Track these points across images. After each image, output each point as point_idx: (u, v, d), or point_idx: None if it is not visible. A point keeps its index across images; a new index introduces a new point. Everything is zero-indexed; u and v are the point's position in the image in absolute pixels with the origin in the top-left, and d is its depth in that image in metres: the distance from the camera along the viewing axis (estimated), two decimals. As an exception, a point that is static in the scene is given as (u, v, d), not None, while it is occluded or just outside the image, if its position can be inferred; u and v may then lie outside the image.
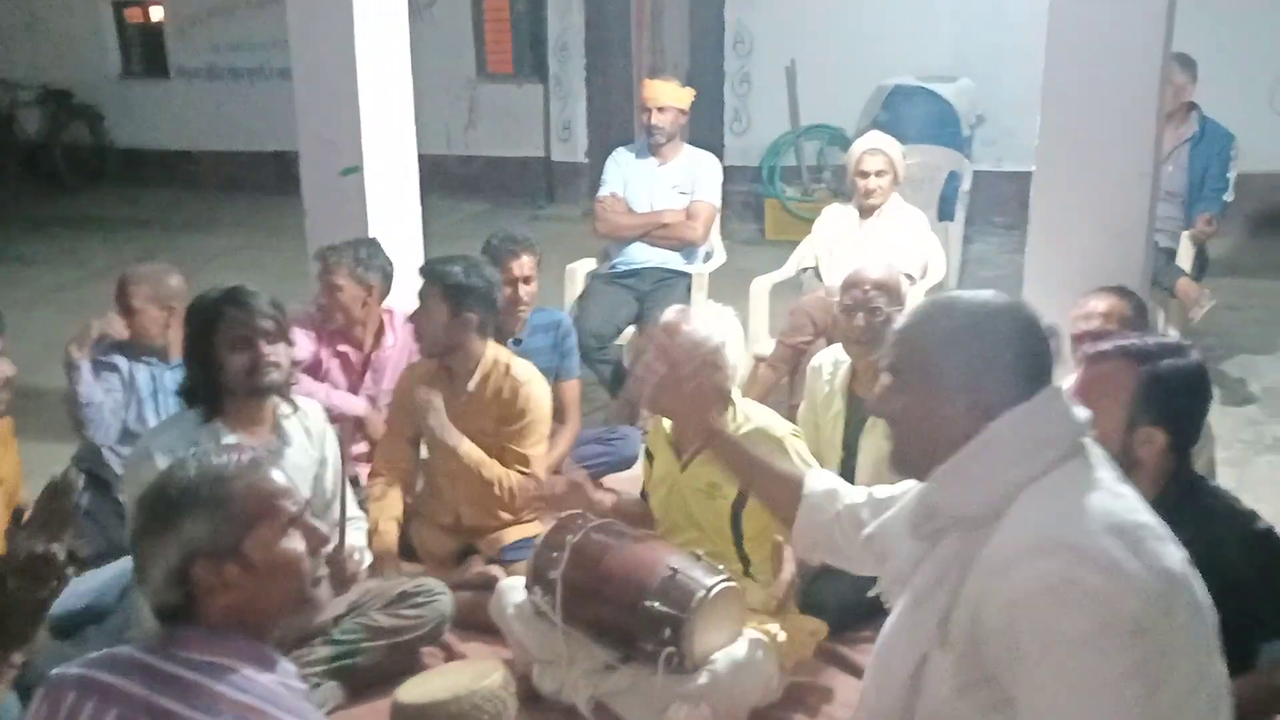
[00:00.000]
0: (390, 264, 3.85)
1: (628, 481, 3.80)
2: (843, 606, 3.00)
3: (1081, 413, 1.59)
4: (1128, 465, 2.04)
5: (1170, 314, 4.80)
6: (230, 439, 2.65)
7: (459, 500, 3.40)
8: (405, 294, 4.09)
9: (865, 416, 3.20)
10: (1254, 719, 2.03)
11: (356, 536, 3.01)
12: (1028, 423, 1.54)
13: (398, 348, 3.94)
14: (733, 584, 2.65)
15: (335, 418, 3.78)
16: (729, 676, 2.60)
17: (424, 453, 3.61)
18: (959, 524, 1.57)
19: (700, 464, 2.85)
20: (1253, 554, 2.03)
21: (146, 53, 10.96)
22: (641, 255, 4.80)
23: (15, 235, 8.62)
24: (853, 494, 2.01)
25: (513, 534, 3.42)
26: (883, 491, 1.97)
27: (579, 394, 4.15)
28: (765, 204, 8.26)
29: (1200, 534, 2.00)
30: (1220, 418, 4.40)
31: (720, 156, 5.23)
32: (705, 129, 8.22)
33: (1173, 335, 4.75)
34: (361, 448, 3.88)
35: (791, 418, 3.53)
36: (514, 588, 2.92)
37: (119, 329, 3.55)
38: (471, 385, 3.34)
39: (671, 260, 4.80)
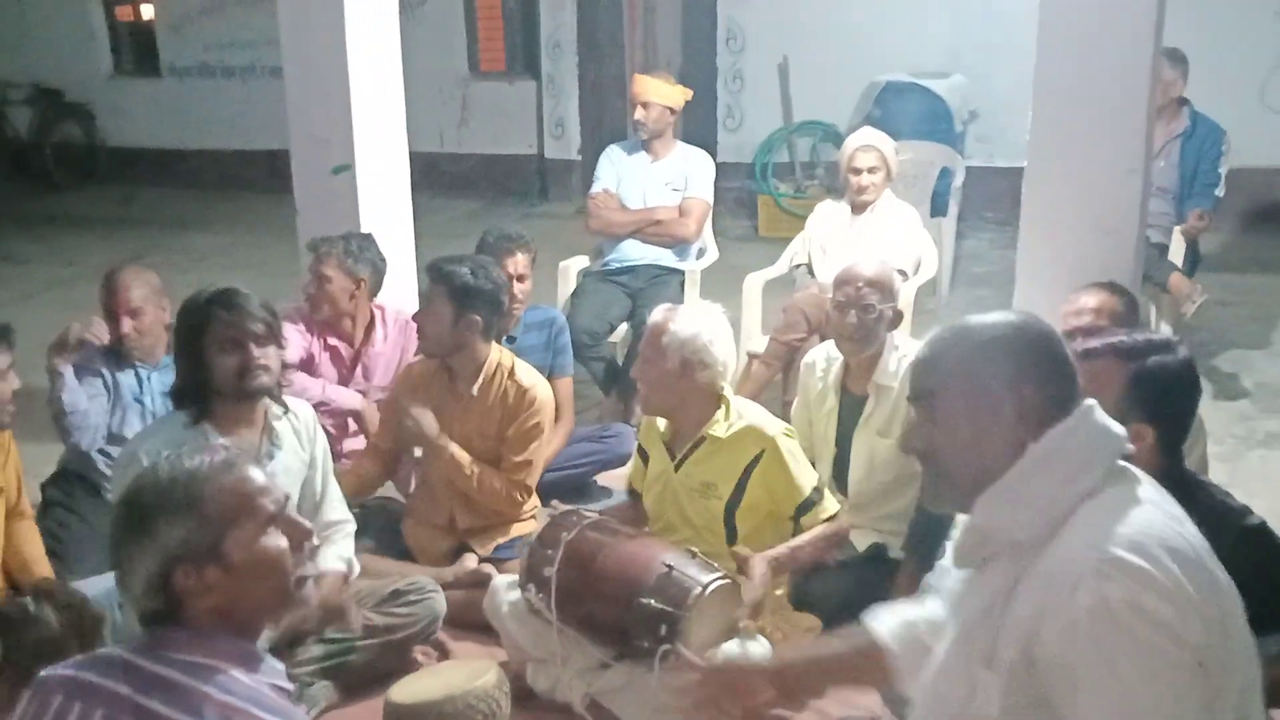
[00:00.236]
0: (382, 259, 3.84)
1: (621, 479, 3.80)
2: (836, 602, 2.99)
3: (1120, 428, 1.56)
4: (1116, 463, 2.06)
5: (1162, 309, 4.81)
6: (219, 441, 2.63)
7: (453, 502, 3.40)
8: (397, 292, 4.10)
9: (858, 413, 3.20)
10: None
11: (345, 544, 3.01)
12: (1073, 439, 1.51)
13: (389, 345, 3.94)
14: (728, 581, 2.65)
15: (333, 413, 3.78)
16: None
17: (419, 452, 3.61)
18: (1008, 549, 1.53)
19: (694, 463, 2.85)
20: (1246, 550, 2.02)
21: (138, 51, 10.92)
22: (634, 252, 4.80)
23: (6, 234, 8.58)
24: (922, 609, 1.89)
25: (507, 533, 3.42)
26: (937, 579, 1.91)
27: (572, 392, 4.15)
28: (758, 201, 8.26)
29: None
30: (1212, 413, 4.41)
31: (713, 153, 5.24)
32: (698, 125, 8.23)
33: (1165, 330, 4.76)
34: (358, 443, 3.86)
35: (785, 415, 3.53)
36: (508, 585, 2.91)
37: (100, 332, 3.50)
38: (474, 388, 3.33)
39: (664, 257, 4.80)
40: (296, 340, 3.73)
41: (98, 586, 2.90)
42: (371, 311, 3.90)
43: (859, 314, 3.24)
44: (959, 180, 6.88)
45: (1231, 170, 5.05)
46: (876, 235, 4.41)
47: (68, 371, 3.38)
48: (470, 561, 3.35)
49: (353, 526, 3.09)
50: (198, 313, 2.72)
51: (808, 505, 2.85)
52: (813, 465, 3.03)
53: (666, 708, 2.60)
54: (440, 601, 3.00)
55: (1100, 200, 3.29)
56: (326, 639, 2.86)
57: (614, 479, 3.98)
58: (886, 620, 1.87)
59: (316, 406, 3.59)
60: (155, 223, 9.07)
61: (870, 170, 4.45)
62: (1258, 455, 4.33)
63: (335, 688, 2.85)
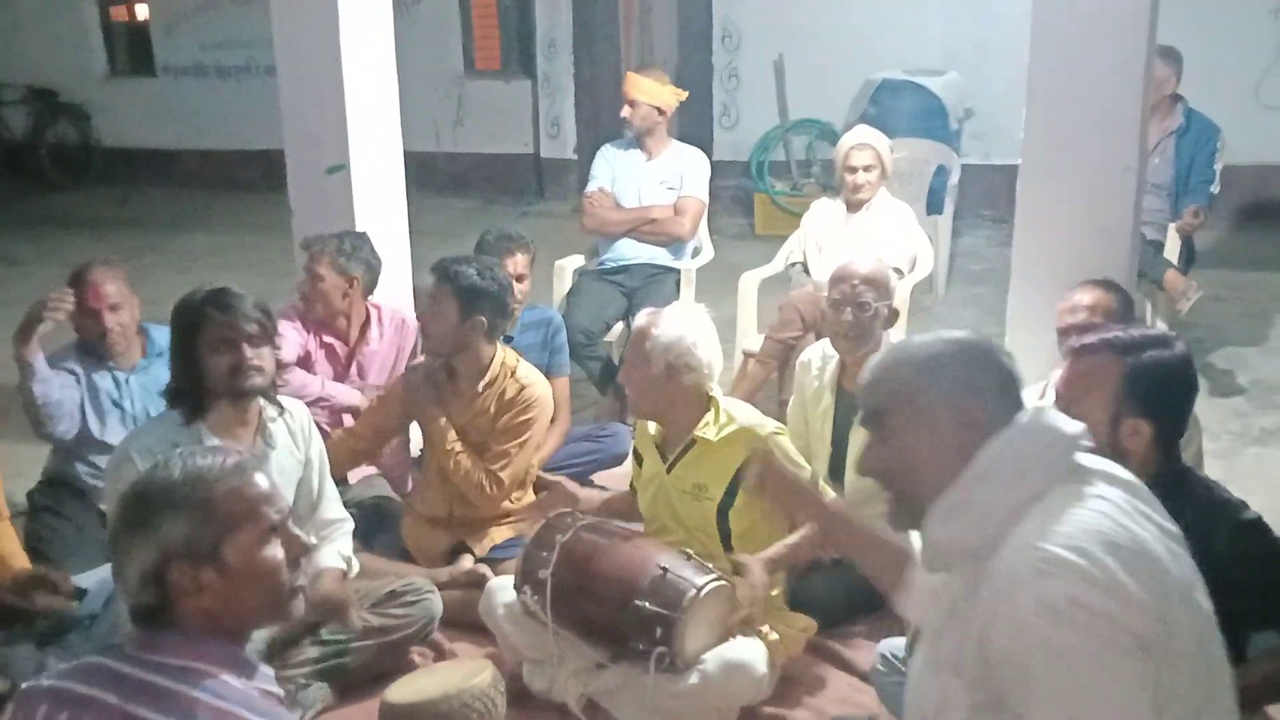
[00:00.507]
0: (376, 258, 3.84)
1: (618, 478, 3.80)
2: (832, 602, 3.01)
3: (1072, 427, 1.59)
4: (1115, 458, 2.05)
5: (1158, 306, 4.82)
6: (213, 441, 2.63)
7: (452, 495, 3.40)
8: (393, 291, 4.10)
9: (854, 411, 3.19)
10: (1246, 709, 2.04)
11: (343, 541, 3.01)
12: (1015, 445, 1.55)
13: (385, 343, 3.93)
14: (723, 583, 2.65)
15: (331, 409, 3.78)
16: (720, 675, 2.61)
17: (415, 450, 3.62)
18: (964, 556, 1.57)
19: (685, 465, 2.85)
20: (1242, 544, 2.03)
21: (132, 51, 10.90)
22: (630, 251, 4.79)
23: (1, 235, 8.57)
24: None
25: (503, 533, 3.42)
26: None
27: (568, 391, 4.15)
28: (754, 199, 8.26)
29: (1189, 525, 2.00)
30: (1208, 409, 4.41)
31: (709, 151, 5.22)
32: (694, 124, 8.22)
33: (1160, 327, 4.77)
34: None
35: (781, 413, 3.54)
36: (503, 587, 2.91)
37: (65, 305, 3.28)
38: (479, 386, 3.35)
39: (660, 256, 4.80)
40: (293, 338, 3.73)
41: (92, 579, 2.91)
42: (367, 310, 3.89)
43: (854, 312, 3.24)
44: (955, 178, 6.88)
45: (1226, 167, 5.05)
46: (872, 233, 4.41)
47: (38, 361, 3.26)
48: (466, 562, 3.35)
49: (350, 525, 3.09)
50: (191, 313, 2.71)
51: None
52: (808, 463, 3.03)
53: (663, 709, 2.61)
54: (436, 602, 3.00)
55: (1095, 198, 3.29)
56: (322, 640, 2.85)
57: (611, 478, 3.98)
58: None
59: (315, 402, 3.60)
60: (150, 223, 9.06)
61: (865, 168, 4.45)
62: (1253, 452, 4.33)
63: (331, 689, 2.85)
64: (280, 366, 2.87)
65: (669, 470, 2.88)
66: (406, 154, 4.26)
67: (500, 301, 3.32)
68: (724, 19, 8.80)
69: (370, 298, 3.89)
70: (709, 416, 2.82)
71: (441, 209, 8.72)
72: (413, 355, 3.96)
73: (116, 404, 3.46)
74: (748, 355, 4.47)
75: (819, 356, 3.45)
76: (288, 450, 2.87)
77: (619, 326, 4.71)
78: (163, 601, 1.53)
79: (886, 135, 4.67)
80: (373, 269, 3.83)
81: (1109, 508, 1.52)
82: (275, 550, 1.57)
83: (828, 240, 4.52)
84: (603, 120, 9.01)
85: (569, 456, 4.01)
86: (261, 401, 2.80)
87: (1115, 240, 3.31)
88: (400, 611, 2.92)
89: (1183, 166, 4.96)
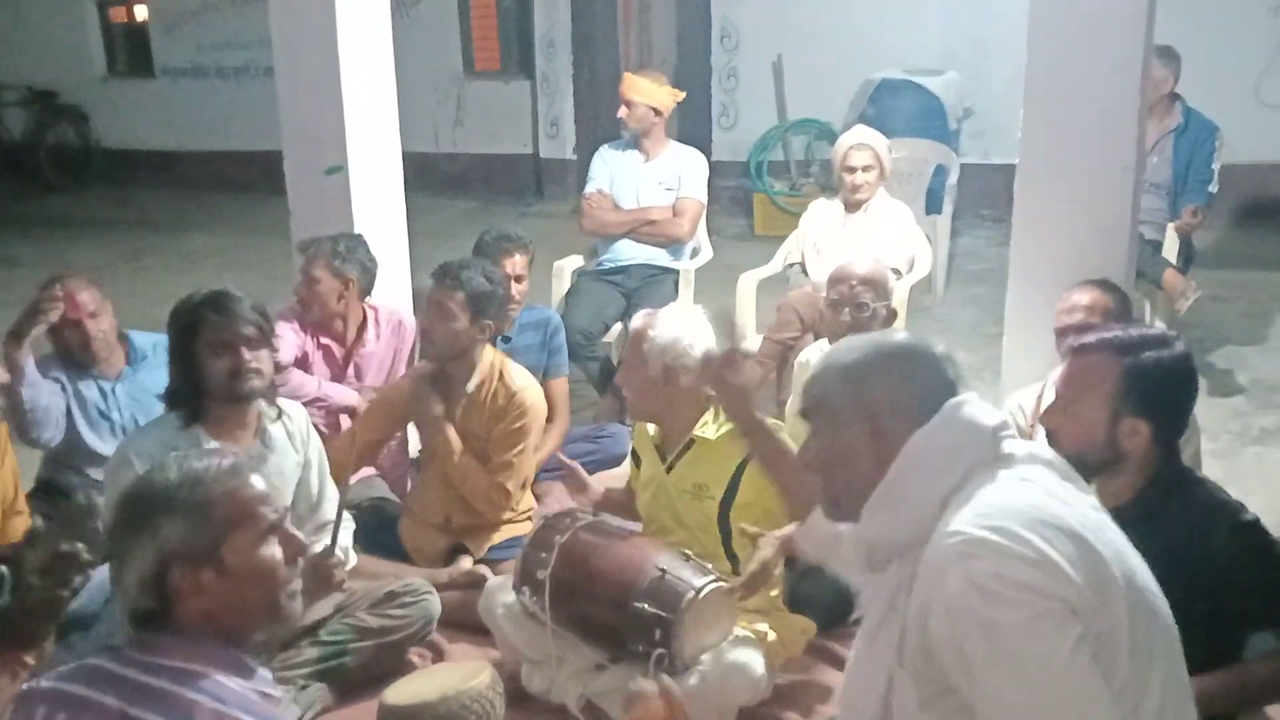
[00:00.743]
0: (372, 259, 3.84)
1: (617, 479, 3.79)
2: (830, 603, 3.00)
3: (991, 417, 1.61)
4: (1113, 458, 2.05)
5: (1156, 306, 4.82)
6: (211, 444, 2.63)
7: (450, 500, 3.40)
8: (391, 292, 4.09)
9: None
10: (1244, 710, 2.04)
11: (342, 535, 3.00)
12: (933, 438, 1.57)
13: (382, 345, 3.93)
14: (722, 584, 2.65)
15: (329, 410, 3.78)
16: (719, 677, 2.60)
17: (414, 451, 3.62)
18: (897, 551, 1.60)
19: (685, 465, 2.85)
20: (1239, 545, 2.03)
21: (131, 52, 10.91)
22: (628, 252, 4.79)
23: (0, 237, 8.58)
24: None
25: (502, 533, 3.42)
26: None
27: (567, 392, 4.15)
28: (754, 199, 8.26)
29: (1187, 525, 2.02)
30: (1207, 409, 4.41)
31: (708, 152, 5.23)
32: (693, 124, 8.22)
33: (1159, 327, 4.77)
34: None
35: (780, 414, 3.54)
36: (502, 587, 2.91)
37: (57, 316, 3.25)
38: (470, 387, 3.35)
39: (659, 257, 4.80)
40: (291, 339, 3.73)
41: (91, 581, 2.90)
42: (364, 312, 3.89)
43: (852, 312, 3.24)
44: (954, 177, 6.88)
45: (1225, 166, 5.04)
46: (870, 234, 4.41)
47: (29, 364, 3.23)
48: (465, 563, 3.35)
49: (350, 525, 3.08)
50: (189, 315, 2.72)
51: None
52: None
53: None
54: (435, 603, 3.00)
55: (1093, 197, 3.29)
56: (321, 640, 2.85)
57: (610, 479, 3.97)
58: None
59: (312, 403, 3.60)
60: (150, 224, 9.06)
61: (864, 169, 4.45)
62: (1253, 452, 4.33)
63: (330, 690, 2.85)
64: (278, 368, 2.87)
65: (669, 471, 2.88)
66: (405, 155, 4.26)
67: (503, 304, 3.38)
68: (723, 19, 8.80)
69: (368, 299, 3.90)
70: (708, 416, 2.83)
71: (440, 209, 8.72)
72: (411, 357, 3.96)
73: (104, 415, 3.43)
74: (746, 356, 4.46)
75: (817, 357, 3.45)
76: (286, 452, 2.87)
77: (618, 327, 4.71)
78: (162, 605, 1.53)
79: (885, 135, 4.67)
80: (368, 271, 3.83)
81: (1030, 489, 1.54)
82: (274, 550, 1.58)
83: (826, 241, 4.52)
84: (602, 121, 9.00)
85: (568, 457, 4.00)
86: (260, 404, 2.80)
87: (1113, 240, 3.31)
88: (399, 612, 2.92)
89: (1181, 166, 4.96)
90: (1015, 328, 3.51)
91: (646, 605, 2.56)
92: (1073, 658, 1.42)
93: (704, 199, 4.92)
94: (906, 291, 4.31)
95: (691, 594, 2.57)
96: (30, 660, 1.59)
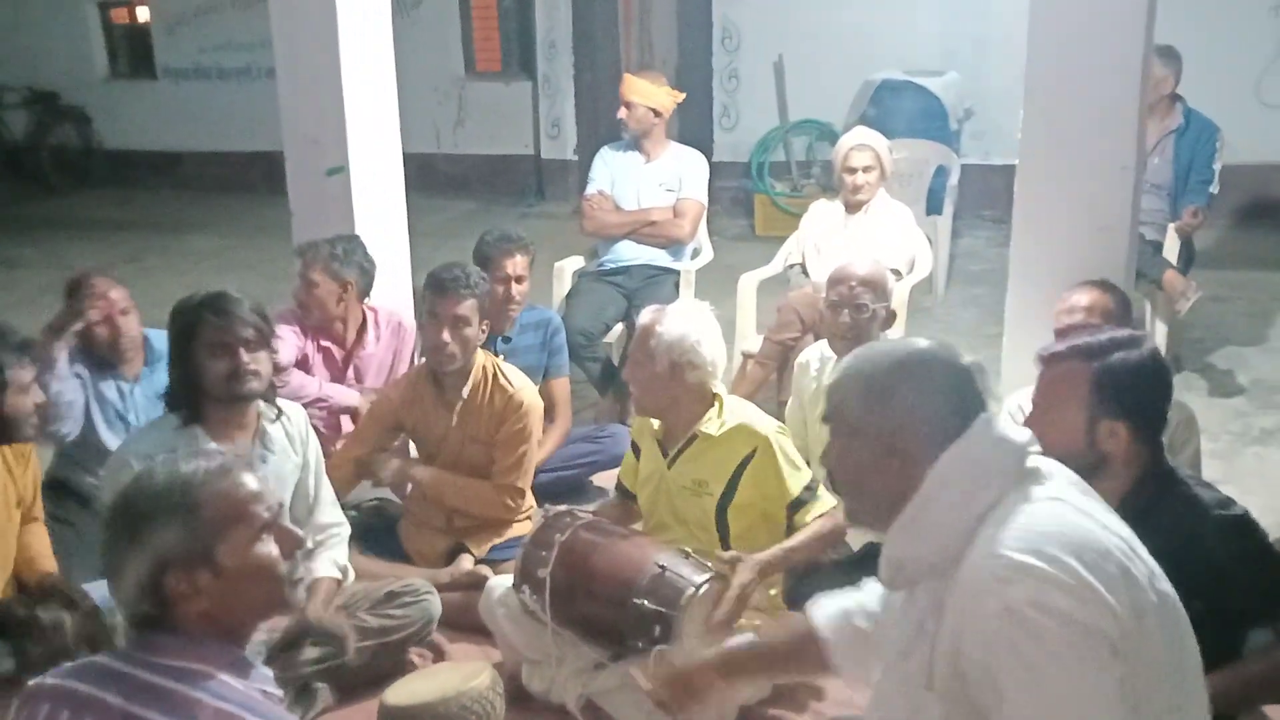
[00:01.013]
0: (370, 261, 3.84)
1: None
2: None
3: (1020, 433, 1.59)
4: (1096, 462, 2.05)
5: (1157, 307, 4.82)
6: (210, 445, 2.62)
7: (449, 507, 3.41)
8: (392, 294, 4.10)
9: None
10: (1244, 708, 2.04)
11: (339, 550, 3.01)
12: (967, 457, 1.54)
13: (381, 346, 3.94)
14: (721, 581, 2.65)
15: (330, 411, 3.78)
16: (718, 674, 2.60)
17: (414, 452, 3.62)
18: (926, 571, 1.57)
19: (686, 461, 2.85)
20: (1231, 541, 2.03)
21: (133, 53, 10.91)
22: (629, 253, 4.80)
23: (1, 238, 8.58)
24: (860, 597, 1.95)
25: (502, 534, 3.42)
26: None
27: (569, 392, 4.15)
28: (755, 200, 8.27)
29: (1178, 524, 2.02)
30: (1208, 410, 4.42)
31: (709, 152, 5.23)
32: (694, 125, 8.23)
33: (1160, 328, 4.77)
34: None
35: (780, 415, 3.53)
36: (503, 587, 2.91)
37: (99, 316, 3.37)
38: (465, 391, 3.35)
39: (659, 258, 4.80)
40: (291, 341, 3.73)
41: (100, 591, 2.90)
42: (364, 313, 3.90)
43: (852, 313, 3.24)
44: (954, 178, 6.88)
45: (1226, 166, 5.04)
46: (870, 234, 4.41)
47: (62, 358, 3.28)
48: (466, 563, 3.35)
49: (347, 530, 3.09)
50: (188, 316, 2.72)
51: (799, 503, 2.85)
52: (807, 464, 3.03)
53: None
54: (435, 603, 3.00)
55: (1093, 197, 3.29)
56: (321, 641, 2.85)
57: (610, 480, 3.97)
58: (825, 608, 1.93)
59: (313, 404, 3.61)
60: (151, 225, 9.06)
61: (865, 169, 4.45)
62: (1253, 452, 4.33)
63: (331, 690, 2.86)
64: (278, 369, 2.87)
65: (669, 465, 2.89)
66: (407, 155, 4.26)
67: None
68: (724, 19, 8.81)
69: (369, 300, 3.90)
70: (712, 412, 2.83)
71: (441, 210, 8.73)
72: (411, 359, 3.96)
73: (120, 416, 3.47)
74: (746, 356, 4.47)
75: (817, 358, 3.46)
76: (285, 454, 2.87)
77: (618, 328, 4.71)
78: (161, 609, 1.52)
79: (886, 136, 4.67)
80: (367, 273, 3.84)
81: (1063, 508, 1.52)
82: (269, 548, 1.57)
83: (826, 242, 4.53)
84: (603, 121, 9.00)
85: (568, 458, 4.01)
86: (259, 405, 2.80)
87: (1113, 240, 3.31)
88: (399, 613, 2.93)
89: (1182, 166, 4.96)
90: (1015, 328, 3.51)
91: (647, 602, 2.56)
92: (1108, 704, 1.39)
93: (705, 200, 4.92)
94: (907, 292, 4.31)
95: (691, 590, 2.57)
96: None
